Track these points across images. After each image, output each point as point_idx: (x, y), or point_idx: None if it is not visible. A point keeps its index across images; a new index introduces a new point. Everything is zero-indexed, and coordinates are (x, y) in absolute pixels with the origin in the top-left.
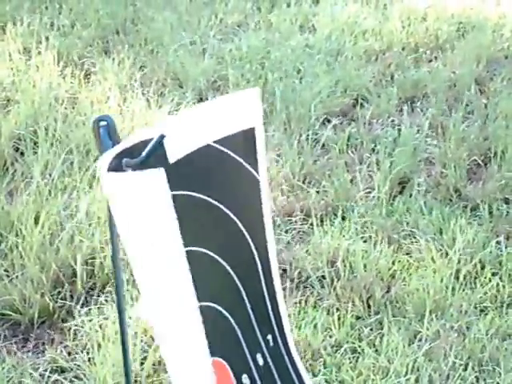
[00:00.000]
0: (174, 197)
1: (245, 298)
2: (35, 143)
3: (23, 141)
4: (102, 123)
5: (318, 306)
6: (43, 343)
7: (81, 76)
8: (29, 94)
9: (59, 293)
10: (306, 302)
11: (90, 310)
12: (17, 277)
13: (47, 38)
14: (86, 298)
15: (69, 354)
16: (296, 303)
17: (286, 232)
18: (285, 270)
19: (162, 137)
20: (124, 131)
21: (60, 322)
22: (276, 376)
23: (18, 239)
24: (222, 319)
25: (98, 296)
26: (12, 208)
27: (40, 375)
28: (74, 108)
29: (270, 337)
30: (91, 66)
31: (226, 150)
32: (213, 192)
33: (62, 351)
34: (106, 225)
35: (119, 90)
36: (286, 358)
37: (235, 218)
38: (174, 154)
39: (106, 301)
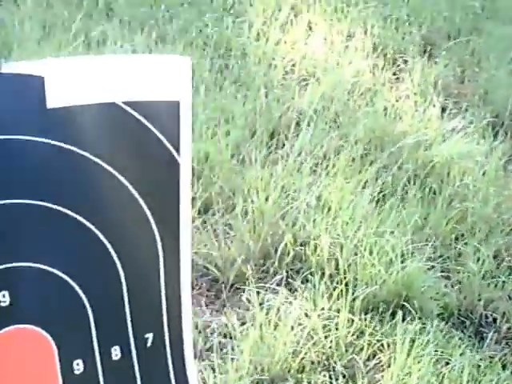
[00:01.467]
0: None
1: None
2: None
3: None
4: None
5: None
6: (226, 305)
7: (389, 71)
8: (330, 73)
9: (263, 264)
10: None
11: (279, 289)
12: (230, 239)
13: (372, 26)
14: (286, 277)
15: (242, 323)
16: None
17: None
18: None
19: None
20: None
21: (249, 292)
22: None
23: (252, 205)
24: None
25: (295, 280)
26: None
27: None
28: (371, 100)
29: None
30: (403, 64)
31: (137, 116)
32: (103, 159)
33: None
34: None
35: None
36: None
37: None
38: (55, 99)
39: (300, 288)
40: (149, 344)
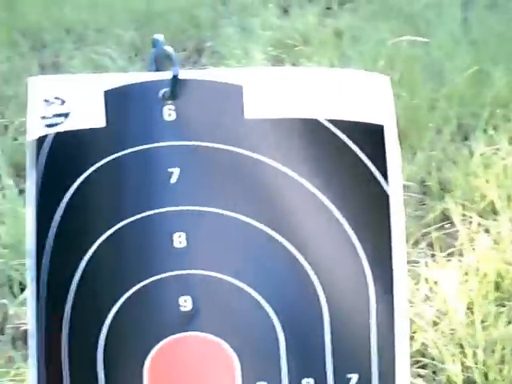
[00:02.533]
0: None
1: None
2: None
3: None
4: None
5: None
6: None
7: None
8: None
9: None
10: None
11: None
12: None
13: None
14: None
15: None
16: None
17: None
18: None
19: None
20: None
21: None
22: None
23: None
24: None
25: None
26: None
27: None
28: None
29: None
30: None
31: (341, 136)
32: (304, 177)
33: None
34: None
35: None
36: None
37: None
38: (253, 110)
39: None
40: None
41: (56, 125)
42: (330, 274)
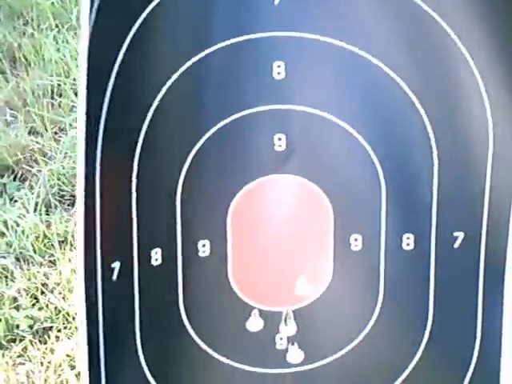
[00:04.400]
0: None
1: None
2: None
3: None
4: None
5: None
6: None
7: None
8: None
9: None
10: None
11: None
12: None
13: None
14: None
15: None
16: None
17: None
18: None
19: None
20: None
21: None
22: None
23: None
24: None
25: None
26: None
27: None
28: None
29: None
30: None
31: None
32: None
33: None
34: None
35: None
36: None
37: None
38: None
39: None
40: (457, 244)
41: None
42: (448, 119)
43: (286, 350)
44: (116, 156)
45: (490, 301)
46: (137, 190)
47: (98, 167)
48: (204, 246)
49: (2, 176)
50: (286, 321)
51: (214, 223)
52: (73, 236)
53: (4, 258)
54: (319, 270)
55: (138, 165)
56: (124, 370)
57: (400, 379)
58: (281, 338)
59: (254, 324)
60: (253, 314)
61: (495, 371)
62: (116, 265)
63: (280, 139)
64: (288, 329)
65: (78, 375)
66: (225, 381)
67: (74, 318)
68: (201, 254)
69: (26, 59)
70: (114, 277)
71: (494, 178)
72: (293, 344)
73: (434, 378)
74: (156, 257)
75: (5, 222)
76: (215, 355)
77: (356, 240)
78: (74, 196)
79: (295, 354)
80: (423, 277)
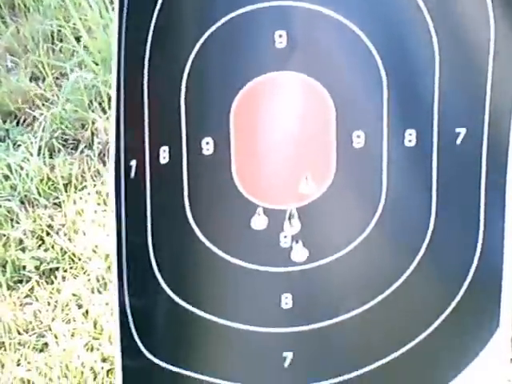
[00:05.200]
0: None
1: None
2: None
3: None
4: None
5: None
6: None
7: None
8: None
9: None
10: None
11: None
12: None
13: None
14: None
15: None
16: None
17: None
18: None
19: None
20: None
21: None
22: None
23: None
24: None
25: None
26: None
27: None
28: None
29: None
30: None
31: None
32: None
33: None
34: None
35: None
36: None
37: None
38: None
39: None
40: (459, 141)
41: None
42: (447, 12)
43: (291, 248)
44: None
45: (492, 198)
46: (148, 87)
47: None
48: (208, 143)
49: (5, 121)
50: (290, 219)
51: (217, 120)
52: (77, 179)
53: (9, 200)
54: (322, 167)
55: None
56: (136, 270)
57: (402, 278)
58: (285, 237)
59: (259, 222)
60: (257, 212)
61: (497, 272)
62: (133, 163)
63: (281, 36)
64: (292, 227)
65: (85, 314)
66: (231, 280)
67: (79, 259)
68: (205, 152)
69: (25, 5)
70: (132, 174)
71: (496, 73)
72: (297, 242)
73: (435, 277)
74: (164, 155)
75: (8, 166)
76: (220, 253)
77: (358, 137)
78: (76, 140)
79: (299, 252)
80: (425, 173)
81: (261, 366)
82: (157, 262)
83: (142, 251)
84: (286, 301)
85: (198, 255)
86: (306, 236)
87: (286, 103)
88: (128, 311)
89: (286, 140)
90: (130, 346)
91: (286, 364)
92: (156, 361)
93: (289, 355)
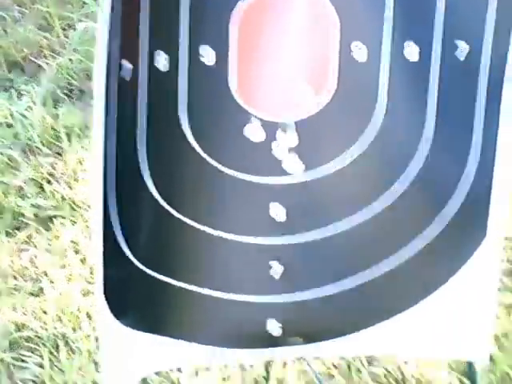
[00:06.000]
0: None
1: None
2: None
3: None
4: None
5: None
6: None
7: None
8: None
9: None
10: None
11: None
12: None
13: None
14: None
15: None
16: None
17: None
18: None
19: None
20: None
21: None
22: None
23: None
24: None
25: None
26: None
27: None
28: None
29: None
30: None
31: None
32: None
33: None
34: None
35: None
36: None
37: None
38: None
39: None
40: (462, 58)
41: None
42: None
43: (284, 160)
44: None
45: (489, 112)
46: None
47: None
48: (206, 51)
49: (10, 71)
50: (285, 130)
51: (216, 28)
52: (80, 128)
53: (10, 148)
54: (323, 80)
55: None
56: (124, 174)
57: (400, 191)
58: (277, 146)
59: (254, 132)
60: (252, 122)
61: (488, 187)
62: (129, 66)
63: None
64: (288, 139)
65: (82, 260)
66: (223, 189)
67: (79, 207)
68: (203, 60)
69: None
70: (128, 77)
71: None
72: (293, 154)
73: (430, 190)
74: (164, 62)
75: (12, 115)
76: (213, 162)
77: (360, 49)
78: (81, 91)
79: (294, 163)
80: (425, 87)
81: (249, 276)
82: (149, 169)
83: (131, 159)
84: (277, 211)
85: (190, 164)
86: (301, 149)
87: (287, 14)
88: (115, 219)
89: (286, 50)
90: (115, 252)
91: (277, 276)
92: (143, 267)
93: (279, 266)
